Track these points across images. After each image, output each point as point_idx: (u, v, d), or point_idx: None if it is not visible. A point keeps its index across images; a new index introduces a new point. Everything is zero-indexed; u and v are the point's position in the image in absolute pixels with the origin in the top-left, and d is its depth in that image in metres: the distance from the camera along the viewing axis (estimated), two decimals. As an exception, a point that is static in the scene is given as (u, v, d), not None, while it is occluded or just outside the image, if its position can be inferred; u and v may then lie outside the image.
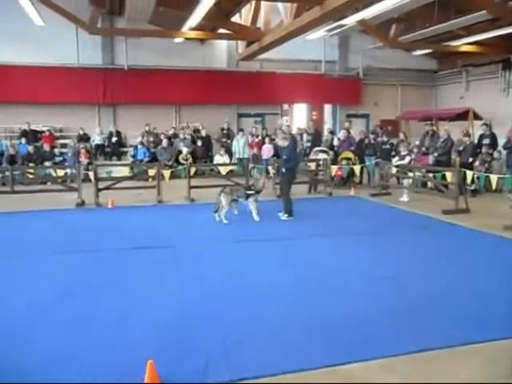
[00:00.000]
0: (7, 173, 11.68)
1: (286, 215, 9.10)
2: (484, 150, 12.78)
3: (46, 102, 16.78)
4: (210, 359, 3.70)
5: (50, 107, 16.99)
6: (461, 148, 12.53)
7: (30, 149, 15.27)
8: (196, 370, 3.56)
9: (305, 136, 16.15)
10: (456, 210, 9.71)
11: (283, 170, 9.28)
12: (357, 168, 13.31)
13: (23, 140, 15.80)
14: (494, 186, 11.48)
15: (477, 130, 14.93)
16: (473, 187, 11.76)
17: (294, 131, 16.50)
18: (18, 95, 16.34)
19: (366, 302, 4.90)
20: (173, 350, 3.87)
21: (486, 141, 13.06)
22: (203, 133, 17.45)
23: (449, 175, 11.16)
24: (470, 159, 12.40)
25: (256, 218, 8.89)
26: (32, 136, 16.28)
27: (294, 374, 3.53)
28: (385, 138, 14.06)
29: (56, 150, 16.10)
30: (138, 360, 3.52)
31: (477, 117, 16.19)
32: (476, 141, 13.45)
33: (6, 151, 15.18)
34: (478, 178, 11.60)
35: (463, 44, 16.14)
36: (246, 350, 3.88)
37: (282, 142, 9.64)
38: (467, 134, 12.97)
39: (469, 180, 11.21)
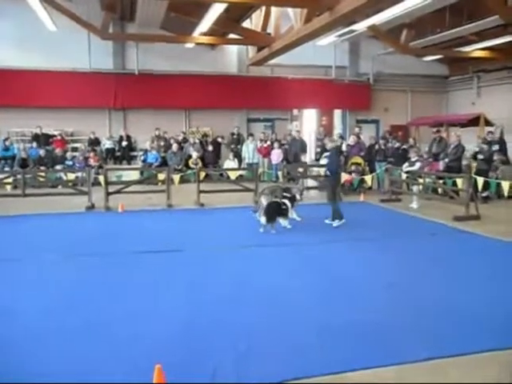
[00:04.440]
0: (19, 176, 11.79)
1: (336, 221, 8.94)
2: (496, 156, 12.62)
3: (57, 107, 16.93)
4: (218, 365, 3.68)
5: (61, 111, 17.14)
6: (481, 157, 12.28)
7: (42, 152, 15.43)
8: (204, 375, 3.54)
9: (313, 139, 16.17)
10: (467, 216, 9.61)
11: (327, 173, 9.36)
12: (368, 178, 13.24)
13: (35, 144, 15.95)
14: (506, 193, 11.33)
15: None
16: (485, 194, 11.64)
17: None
18: (30, 100, 16.51)
19: (377, 308, 4.86)
20: (181, 355, 3.85)
21: (496, 147, 12.87)
22: (219, 139, 17.50)
23: (459, 181, 11.06)
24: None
25: (298, 218, 9.02)
26: (43, 140, 16.42)
27: (304, 379, 3.50)
28: (397, 144, 13.96)
29: (68, 154, 16.19)
30: (146, 365, 3.50)
31: (488, 123, 16.07)
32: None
33: (18, 155, 15.33)
34: (489, 184, 11.48)
35: (475, 50, 16.06)
36: (256, 355, 3.86)
37: (328, 146, 9.88)
38: (487, 142, 12.76)
39: (480, 186, 11.09)
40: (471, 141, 14.51)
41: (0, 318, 4.63)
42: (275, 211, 8.34)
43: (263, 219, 8.22)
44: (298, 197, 9.14)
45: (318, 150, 15.86)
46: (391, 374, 3.59)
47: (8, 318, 4.62)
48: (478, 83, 19.40)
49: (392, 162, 13.21)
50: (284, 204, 8.49)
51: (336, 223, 8.90)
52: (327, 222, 9.10)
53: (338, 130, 20.47)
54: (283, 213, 8.43)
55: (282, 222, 8.50)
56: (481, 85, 19.33)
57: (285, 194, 8.95)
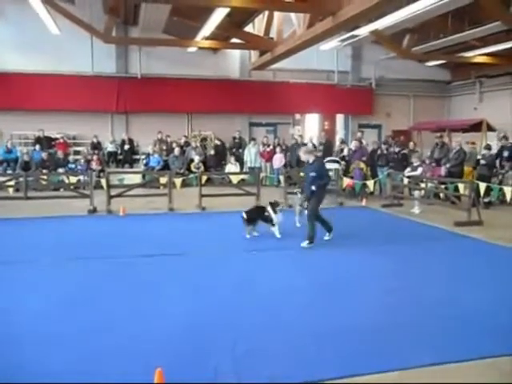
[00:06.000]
0: (21, 179, 11.80)
1: (306, 242, 7.79)
2: (504, 163, 12.52)
3: (60, 110, 16.96)
4: (219, 368, 3.68)
5: (64, 115, 17.17)
6: (483, 162, 12.20)
7: (44, 155, 15.44)
8: (204, 378, 3.54)
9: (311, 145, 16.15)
10: (468, 221, 9.60)
11: (313, 189, 7.78)
12: (370, 183, 13.22)
13: (37, 147, 15.98)
14: (508, 199, 11.30)
15: (490, 141, 14.81)
16: (487, 199, 11.62)
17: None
18: (33, 103, 16.57)
19: (378, 312, 4.85)
20: (182, 358, 3.85)
21: (506, 153, 12.76)
22: (217, 142, 17.54)
23: (461, 187, 11.05)
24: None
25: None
26: (46, 143, 16.45)
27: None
28: (396, 149, 13.95)
29: (70, 157, 16.22)
30: (147, 368, 3.51)
31: (490, 128, 16.07)
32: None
33: (21, 158, 15.37)
34: (491, 189, 11.46)
35: (477, 55, 16.05)
36: (256, 359, 3.85)
37: (305, 157, 8.26)
38: (488, 147, 12.71)
39: (482, 192, 11.06)
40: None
41: (1, 318, 4.63)
42: (257, 215, 8.35)
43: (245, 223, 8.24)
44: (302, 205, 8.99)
45: (320, 154, 15.87)
46: (393, 378, 3.57)
47: (9, 318, 4.63)
48: (480, 88, 19.43)
49: (392, 167, 13.20)
50: (266, 210, 8.32)
51: (305, 244, 7.77)
52: (326, 238, 8.20)
53: (340, 134, 20.48)
54: (265, 218, 8.30)
55: (272, 229, 8.35)
56: (483, 90, 19.35)
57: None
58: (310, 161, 8.11)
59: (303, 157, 8.38)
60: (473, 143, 14.54)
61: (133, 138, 17.77)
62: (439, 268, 6.64)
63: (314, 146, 16.52)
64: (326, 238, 8.21)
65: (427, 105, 20.87)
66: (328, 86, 19.83)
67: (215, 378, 3.54)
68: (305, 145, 16.08)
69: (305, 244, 7.80)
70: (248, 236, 8.34)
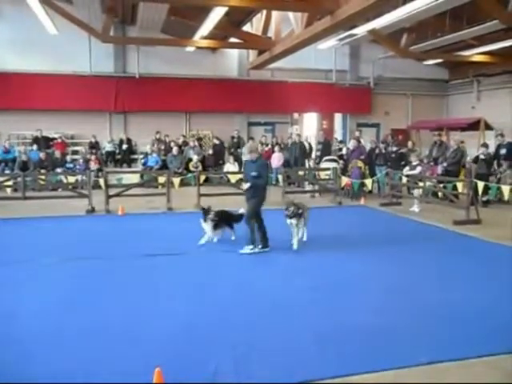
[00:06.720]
0: (19, 179, 11.78)
1: (250, 247, 7.33)
2: (502, 161, 12.54)
3: (58, 110, 16.95)
4: (218, 368, 3.68)
5: (62, 114, 17.17)
6: (483, 157, 12.22)
7: (42, 155, 15.42)
8: (204, 378, 3.54)
9: (307, 144, 16.21)
10: (467, 220, 9.61)
11: (247, 186, 7.37)
12: (368, 182, 13.21)
13: (35, 147, 15.94)
14: (506, 197, 11.31)
15: (488, 140, 14.83)
16: (485, 198, 11.63)
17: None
18: (30, 103, 16.54)
19: (377, 312, 4.85)
20: (182, 358, 3.85)
21: (503, 151, 12.79)
22: (216, 141, 17.53)
23: (459, 185, 11.05)
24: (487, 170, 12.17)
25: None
26: (44, 143, 16.43)
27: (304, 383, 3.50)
28: (394, 148, 13.94)
29: (68, 157, 16.20)
30: (147, 368, 3.50)
31: (488, 127, 16.09)
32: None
33: (19, 157, 15.33)
34: (489, 188, 11.47)
35: (475, 54, 16.06)
36: (256, 358, 3.85)
37: (249, 156, 7.61)
38: (485, 145, 12.72)
39: (480, 191, 11.06)
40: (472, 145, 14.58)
41: (1, 319, 4.63)
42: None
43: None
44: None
45: (318, 153, 15.91)
46: (392, 377, 3.58)
47: (9, 319, 4.62)
48: (478, 87, 19.46)
49: (389, 166, 13.20)
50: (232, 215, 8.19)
51: (249, 250, 7.29)
52: (242, 251, 7.30)
53: (338, 133, 20.49)
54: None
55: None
56: (481, 89, 19.39)
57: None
58: (254, 159, 7.55)
59: (247, 156, 7.79)
60: (461, 142, 14.57)
61: (131, 137, 17.77)
62: (438, 267, 6.64)
63: (311, 145, 16.55)
64: (242, 251, 7.30)
65: (425, 103, 20.89)
66: (326, 85, 19.82)
67: (215, 378, 3.54)
68: (308, 144, 16.19)
69: (247, 250, 7.29)
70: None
